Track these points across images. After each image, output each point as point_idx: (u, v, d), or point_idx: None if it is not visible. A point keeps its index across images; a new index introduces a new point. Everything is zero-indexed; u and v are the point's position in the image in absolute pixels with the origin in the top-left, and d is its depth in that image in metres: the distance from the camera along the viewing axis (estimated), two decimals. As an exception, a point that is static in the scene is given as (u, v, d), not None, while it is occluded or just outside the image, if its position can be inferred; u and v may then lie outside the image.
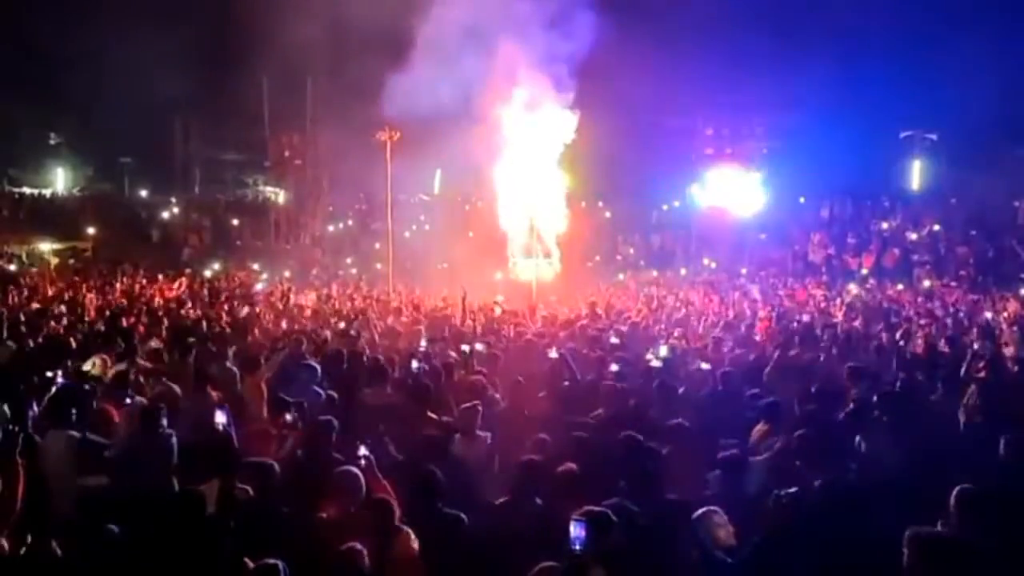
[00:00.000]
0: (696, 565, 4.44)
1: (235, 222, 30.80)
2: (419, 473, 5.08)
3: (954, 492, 4.36)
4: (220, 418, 5.55)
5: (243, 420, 6.93)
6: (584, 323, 12.40)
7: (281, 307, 14.24)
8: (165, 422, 5.88)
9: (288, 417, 6.13)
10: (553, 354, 8.77)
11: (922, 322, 12.75)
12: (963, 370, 8.37)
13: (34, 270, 20.83)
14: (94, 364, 8.17)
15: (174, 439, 5.75)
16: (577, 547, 3.87)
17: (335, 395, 7.43)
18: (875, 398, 6.69)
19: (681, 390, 7.86)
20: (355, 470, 4.99)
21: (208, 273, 21.05)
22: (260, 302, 14.95)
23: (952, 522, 4.28)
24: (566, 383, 8.03)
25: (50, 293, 13.69)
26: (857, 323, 12.79)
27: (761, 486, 5.15)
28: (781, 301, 16.63)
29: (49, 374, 7.02)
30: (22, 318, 11.08)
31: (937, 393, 7.46)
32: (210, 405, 6.43)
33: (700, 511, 4.57)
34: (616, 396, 7.17)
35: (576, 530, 3.89)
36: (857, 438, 6.08)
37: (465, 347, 9.22)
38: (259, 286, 18.62)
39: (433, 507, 4.84)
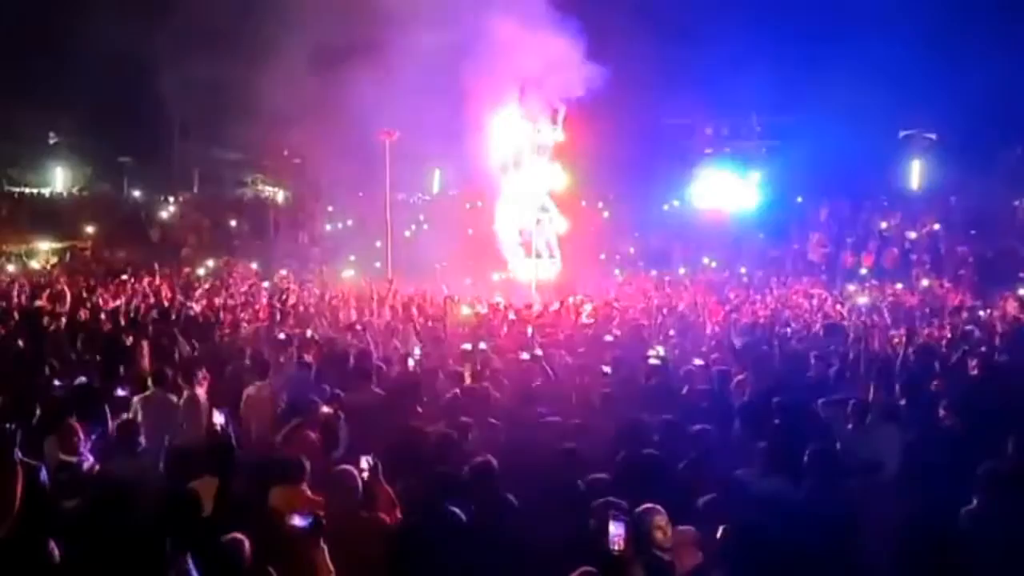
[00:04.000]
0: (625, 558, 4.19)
1: (233, 222, 30.76)
2: (430, 474, 5.08)
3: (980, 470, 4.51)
4: (218, 419, 5.56)
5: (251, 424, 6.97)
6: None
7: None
8: (143, 440, 5.82)
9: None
10: (525, 356, 8.92)
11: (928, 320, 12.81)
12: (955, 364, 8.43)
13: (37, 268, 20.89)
14: None
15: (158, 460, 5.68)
16: (617, 546, 3.81)
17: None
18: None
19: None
20: (352, 470, 5.00)
21: (202, 271, 21.04)
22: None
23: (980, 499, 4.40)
24: (537, 383, 8.12)
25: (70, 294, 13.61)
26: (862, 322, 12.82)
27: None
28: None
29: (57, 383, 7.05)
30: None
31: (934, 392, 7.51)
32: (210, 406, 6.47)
33: (643, 507, 4.42)
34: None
35: (616, 529, 3.82)
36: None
37: (467, 345, 9.32)
38: (266, 284, 18.67)
39: (442, 508, 4.82)
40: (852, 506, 5.05)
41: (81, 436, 5.97)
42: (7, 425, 4.72)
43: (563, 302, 15.01)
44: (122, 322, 11.15)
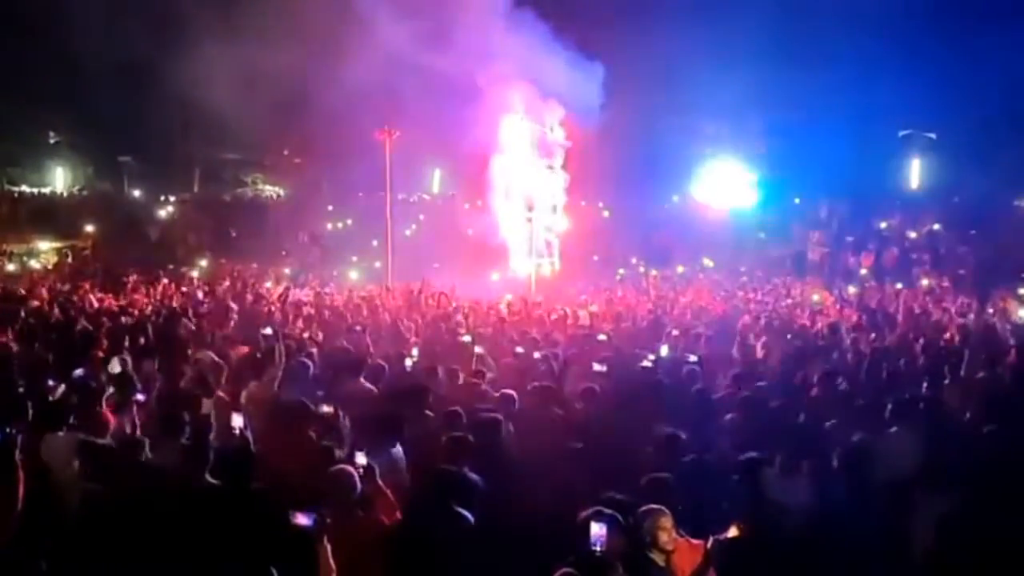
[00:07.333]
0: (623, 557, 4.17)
1: (233, 222, 30.74)
2: (437, 472, 5.07)
3: None
4: (237, 421, 5.52)
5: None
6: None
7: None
8: (188, 430, 5.72)
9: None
10: (536, 355, 8.92)
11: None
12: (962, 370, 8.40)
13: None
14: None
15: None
16: (598, 547, 3.82)
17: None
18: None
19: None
20: (350, 469, 4.99)
21: (196, 273, 21.05)
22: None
23: None
24: (536, 383, 8.10)
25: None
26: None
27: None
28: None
29: (51, 383, 7.01)
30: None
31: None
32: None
33: (648, 507, 4.39)
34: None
35: (597, 530, 3.83)
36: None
37: (468, 338, 9.37)
38: (268, 284, 18.70)
39: (447, 507, 4.82)
40: (873, 509, 5.01)
41: (112, 426, 5.92)
42: (8, 428, 4.69)
43: (551, 310, 14.83)
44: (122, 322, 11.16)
